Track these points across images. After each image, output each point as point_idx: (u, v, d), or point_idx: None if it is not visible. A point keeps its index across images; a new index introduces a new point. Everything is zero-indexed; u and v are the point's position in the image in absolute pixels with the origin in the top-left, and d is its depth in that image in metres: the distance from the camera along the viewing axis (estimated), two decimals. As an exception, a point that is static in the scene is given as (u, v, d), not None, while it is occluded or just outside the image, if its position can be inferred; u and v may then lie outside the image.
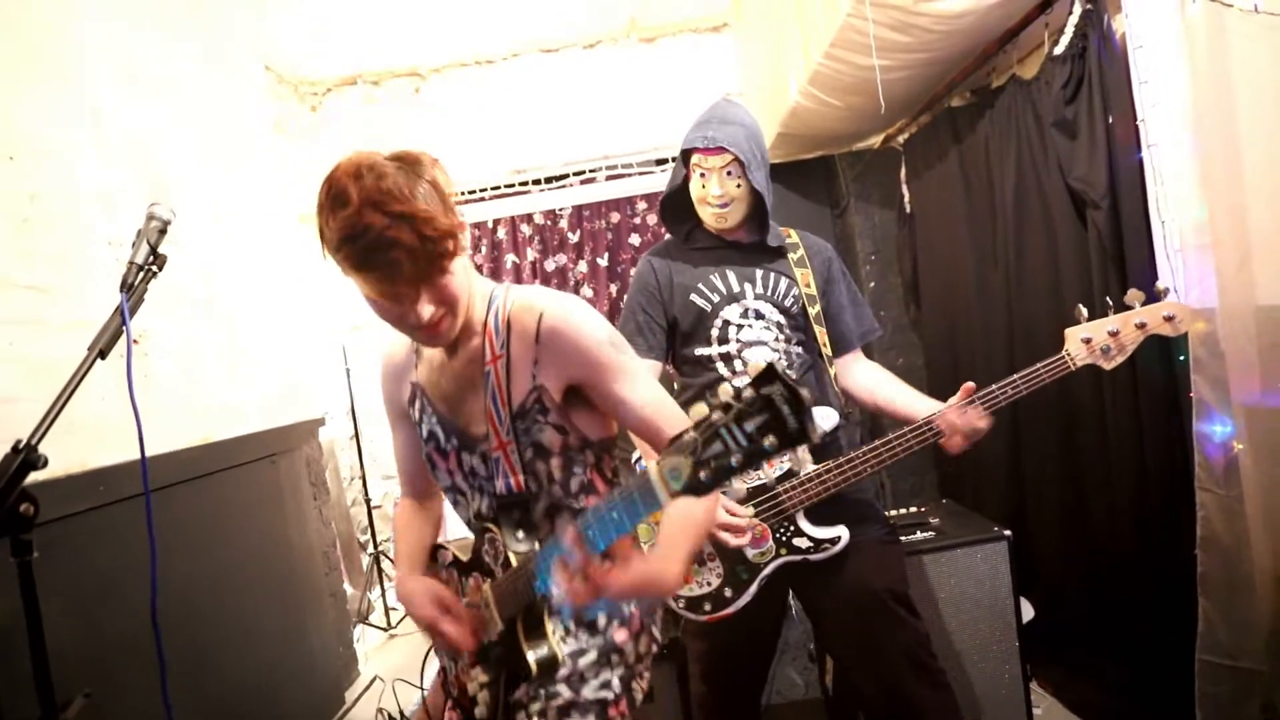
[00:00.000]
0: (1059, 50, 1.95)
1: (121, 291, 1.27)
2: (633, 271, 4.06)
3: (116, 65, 2.23)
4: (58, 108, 1.97)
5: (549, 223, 4.06)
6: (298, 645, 2.71)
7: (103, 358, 1.22)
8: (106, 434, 1.93)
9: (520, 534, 1.13)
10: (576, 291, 4.14)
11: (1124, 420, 1.96)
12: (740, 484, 1.62)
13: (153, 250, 1.33)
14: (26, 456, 1.05)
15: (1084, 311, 1.52)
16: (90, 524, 1.77)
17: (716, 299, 1.68)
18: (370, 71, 3.79)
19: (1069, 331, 1.53)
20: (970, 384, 1.56)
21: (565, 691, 1.13)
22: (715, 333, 1.67)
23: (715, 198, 1.63)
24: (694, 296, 1.69)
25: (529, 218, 4.00)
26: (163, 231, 1.35)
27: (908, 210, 3.17)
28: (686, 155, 1.67)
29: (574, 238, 4.04)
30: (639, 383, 1.13)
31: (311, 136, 3.75)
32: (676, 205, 1.76)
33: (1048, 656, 2.29)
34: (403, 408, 1.29)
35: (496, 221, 4.04)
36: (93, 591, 1.75)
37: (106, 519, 1.82)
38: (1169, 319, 1.48)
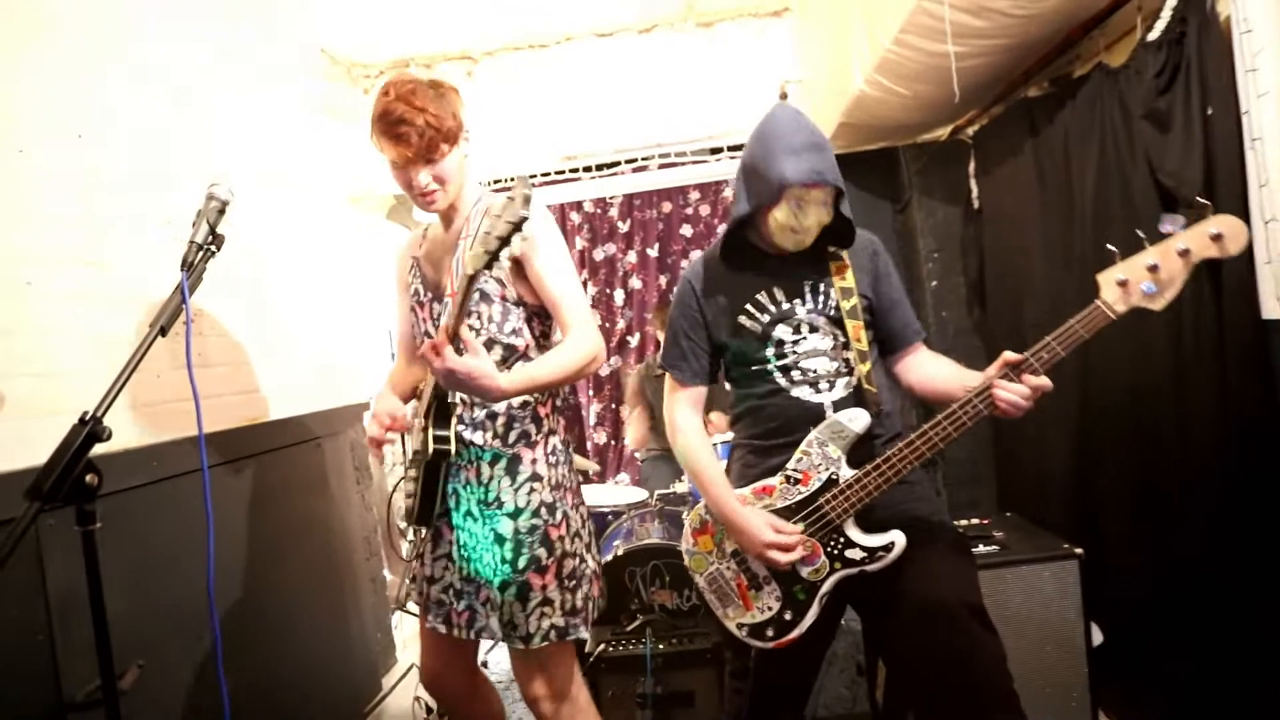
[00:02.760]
0: (1153, 36, 1.88)
1: (182, 270, 1.33)
2: (682, 264, 4.08)
3: (178, 44, 2.32)
4: (123, 87, 2.06)
5: (599, 211, 4.08)
6: (338, 629, 2.78)
7: (163, 334, 1.28)
8: (159, 411, 2.02)
9: None
10: (625, 283, 4.17)
11: (1211, 426, 1.85)
12: (778, 500, 1.62)
13: (212, 230, 1.39)
14: (92, 428, 1.10)
15: (1117, 252, 1.40)
16: (144, 499, 1.85)
17: (766, 319, 1.66)
18: (422, 55, 3.86)
19: (1101, 277, 1.40)
20: (1009, 353, 1.48)
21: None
22: (770, 350, 1.66)
23: (807, 228, 1.60)
24: (742, 319, 1.67)
25: (578, 205, 4.04)
26: (221, 211, 1.41)
27: (975, 206, 3.09)
28: (779, 186, 1.57)
29: (624, 227, 4.06)
30: (553, 274, 1.64)
31: (362, 119, 3.82)
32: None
33: (1118, 686, 2.21)
34: (406, 279, 1.82)
35: (548, 208, 4.08)
36: (143, 565, 1.83)
37: (159, 494, 1.90)
38: (1216, 238, 1.30)
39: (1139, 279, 1.39)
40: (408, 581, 1.84)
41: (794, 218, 1.58)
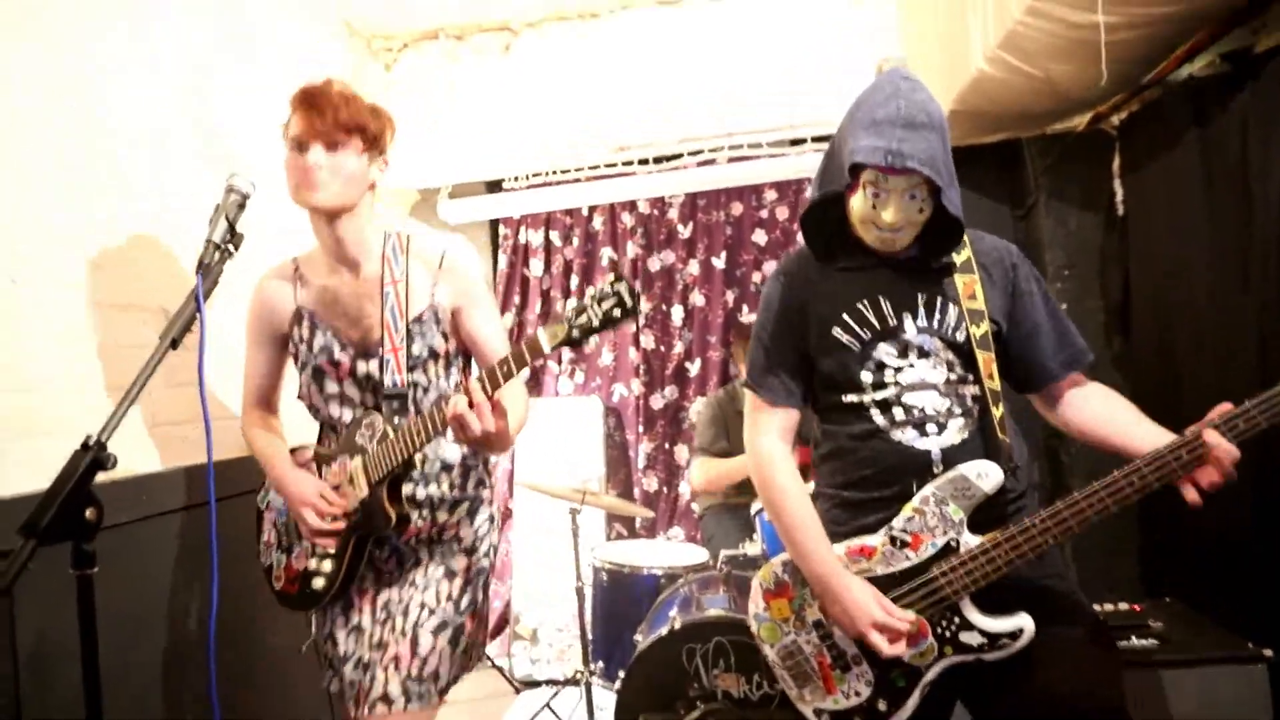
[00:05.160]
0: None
1: (197, 273, 1.38)
2: (754, 279, 4.08)
3: (185, 20, 2.42)
4: (135, 69, 2.16)
5: (656, 212, 4.11)
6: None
7: (174, 347, 1.32)
8: (155, 436, 2.08)
9: (397, 420, 1.76)
10: (684, 298, 4.19)
11: None
12: (878, 566, 1.60)
13: (231, 227, 1.44)
14: (96, 455, 1.14)
15: None
16: (130, 538, 1.90)
17: (867, 335, 1.63)
18: (454, 24, 3.96)
19: None
20: (1226, 405, 1.45)
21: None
22: (868, 376, 1.63)
23: (888, 224, 1.57)
24: (838, 331, 1.65)
25: (632, 206, 4.07)
26: (242, 206, 1.48)
27: (1120, 212, 3.04)
28: (854, 167, 1.57)
29: (685, 231, 4.08)
30: (493, 326, 1.88)
31: (383, 99, 3.94)
32: (813, 209, 1.71)
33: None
34: (276, 330, 1.90)
35: (593, 209, 4.12)
36: (130, 614, 1.88)
37: (145, 533, 1.96)
38: None
39: None
40: (330, 675, 1.91)
41: (871, 208, 1.57)
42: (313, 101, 1.70)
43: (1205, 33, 2.31)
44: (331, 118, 1.69)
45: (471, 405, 1.54)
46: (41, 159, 1.87)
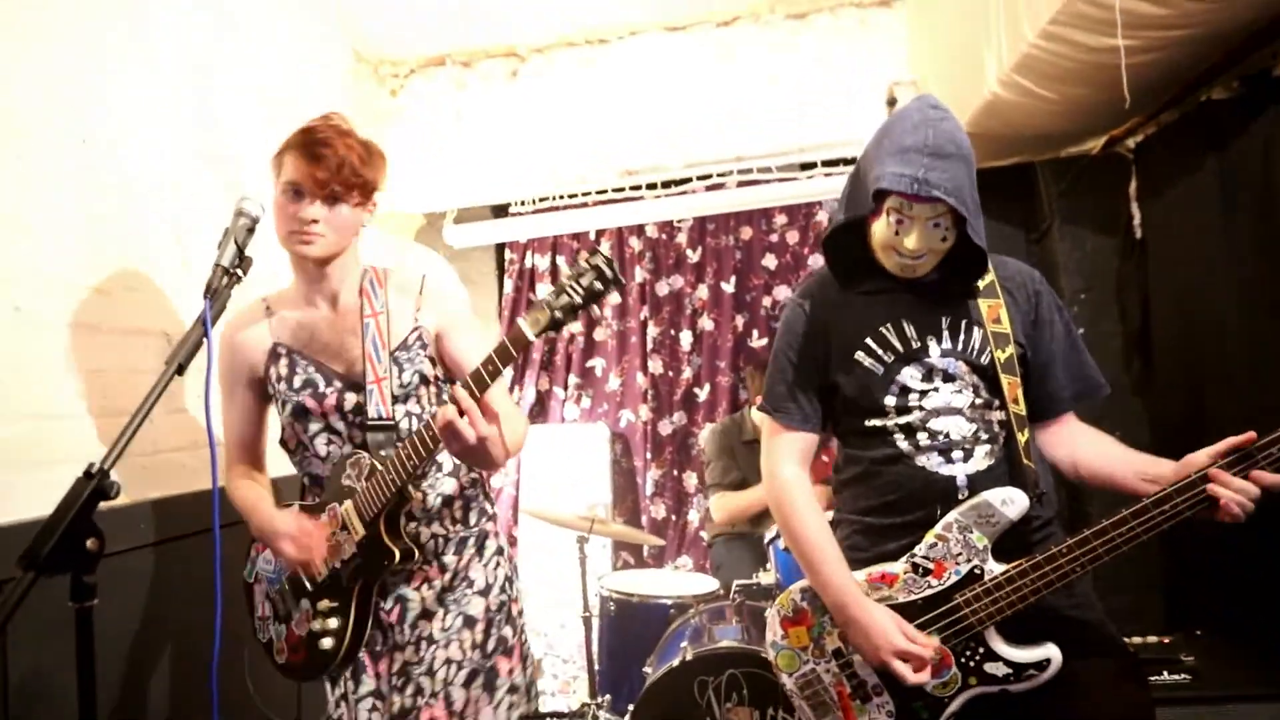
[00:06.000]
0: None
1: (205, 298, 1.37)
2: (763, 303, 4.07)
3: (190, 39, 2.44)
4: (138, 88, 2.17)
5: (664, 236, 4.12)
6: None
7: (180, 373, 1.31)
8: (151, 463, 2.07)
9: (384, 453, 1.70)
10: (693, 323, 4.18)
11: None
12: (899, 593, 1.58)
13: (239, 251, 1.44)
14: (99, 483, 1.13)
15: None
16: (128, 567, 1.88)
17: (890, 359, 1.63)
18: (461, 50, 3.99)
19: None
20: (1251, 434, 1.40)
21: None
22: (891, 400, 1.63)
23: (910, 250, 1.57)
24: (860, 355, 1.65)
25: (639, 230, 4.08)
26: (251, 230, 1.47)
27: (1137, 236, 3.04)
28: (879, 193, 1.57)
29: (694, 256, 4.09)
30: (479, 349, 1.71)
31: (389, 124, 3.97)
32: (835, 232, 1.71)
33: None
34: (251, 373, 1.83)
35: (600, 233, 4.13)
36: (126, 648, 1.85)
37: (142, 562, 1.94)
38: None
39: None
40: None
41: (894, 234, 1.57)
42: (314, 151, 1.67)
43: (1223, 55, 2.31)
44: (334, 171, 1.66)
45: (462, 413, 1.50)
46: (44, 185, 1.87)
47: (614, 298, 1.47)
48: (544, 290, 4.32)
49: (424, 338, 1.82)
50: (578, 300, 1.47)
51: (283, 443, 1.85)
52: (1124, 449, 1.64)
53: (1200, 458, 1.43)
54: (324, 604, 1.73)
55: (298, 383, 1.77)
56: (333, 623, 1.72)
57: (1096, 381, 1.70)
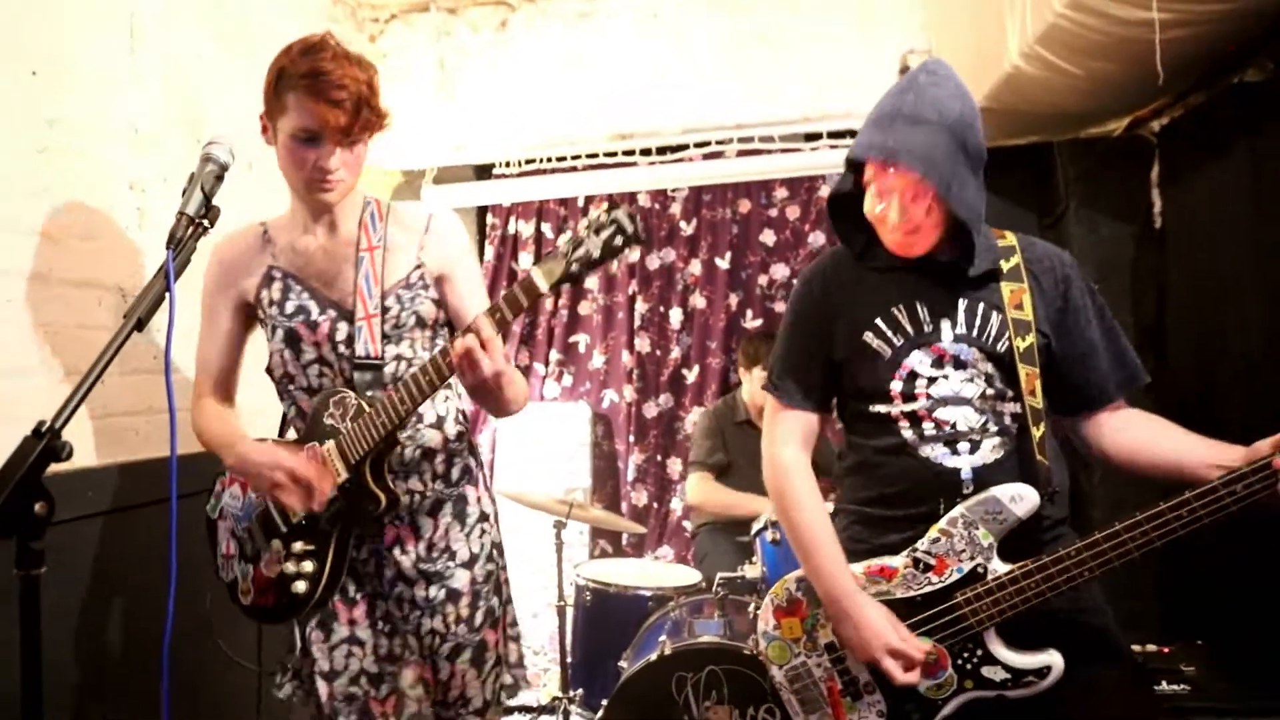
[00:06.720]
0: None
1: (168, 248, 1.35)
2: (760, 281, 4.06)
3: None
4: (92, 21, 2.12)
5: (657, 206, 4.10)
6: None
7: (139, 329, 1.29)
8: (104, 426, 2.04)
9: (370, 394, 1.71)
10: (684, 300, 4.16)
11: None
12: (898, 589, 1.59)
13: (207, 200, 1.41)
14: (49, 443, 1.11)
15: None
16: (77, 536, 1.87)
17: (900, 341, 1.63)
18: (446, -3, 3.94)
19: None
20: None
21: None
22: (898, 386, 1.63)
23: (895, 225, 1.58)
24: (869, 336, 1.65)
25: (631, 198, 4.05)
26: (219, 178, 1.44)
27: (1157, 224, 3.05)
28: (851, 163, 1.62)
29: (688, 228, 4.06)
30: (480, 297, 1.85)
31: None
32: (849, 203, 1.70)
33: None
34: (240, 296, 1.83)
35: (589, 200, 4.10)
36: (74, 619, 1.83)
37: (91, 529, 1.92)
38: None
39: None
40: (288, 688, 1.88)
41: (877, 208, 1.58)
42: (327, 94, 1.60)
43: (1258, 33, 2.31)
44: (353, 114, 1.63)
45: (483, 345, 1.50)
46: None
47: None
48: (527, 260, 4.29)
49: (425, 277, 1.81)
50: (595, 255, 1.48)
51: (270, 370, 1.84)
52: (1195, 437, 1.58)
53: (1265, 446, 1.40)
54: (299, 546, 1.73)
55: (290, 308, 1.77)
56: (308, 566, 1.72)
57: (1138, 367, 1.68)
